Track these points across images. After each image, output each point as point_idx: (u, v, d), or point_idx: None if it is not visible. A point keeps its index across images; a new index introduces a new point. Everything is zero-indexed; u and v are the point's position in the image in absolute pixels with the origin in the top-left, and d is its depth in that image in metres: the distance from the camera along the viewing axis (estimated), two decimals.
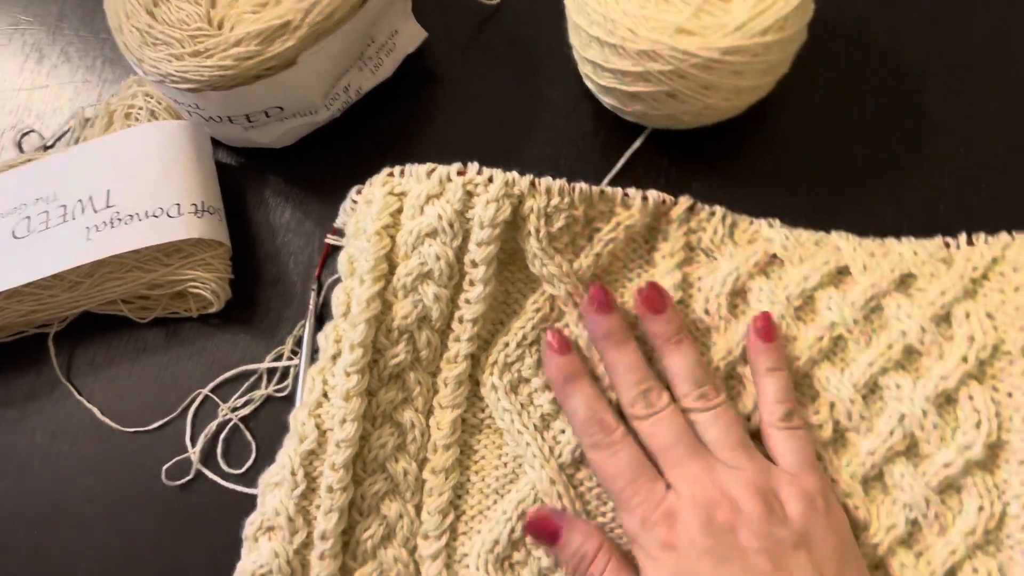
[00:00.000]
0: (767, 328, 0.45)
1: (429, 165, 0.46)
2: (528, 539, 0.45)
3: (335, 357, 0.46)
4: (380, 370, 0.46)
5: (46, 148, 0.57)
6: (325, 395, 0.45)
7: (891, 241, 0.48)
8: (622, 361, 0.45)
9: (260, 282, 0.54)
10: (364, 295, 0.45)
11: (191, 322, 0.53)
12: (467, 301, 0.46)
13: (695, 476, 0.41)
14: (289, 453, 0.44)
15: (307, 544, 0.44)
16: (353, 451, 0.44)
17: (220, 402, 0.51)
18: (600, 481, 0.44)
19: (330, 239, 0.51)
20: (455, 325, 0.47)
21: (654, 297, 0.46)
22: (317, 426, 0.45)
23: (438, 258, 0.45)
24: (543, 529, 0.44)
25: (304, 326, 0.51)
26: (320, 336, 0.47)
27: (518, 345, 0.47)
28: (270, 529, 0.44)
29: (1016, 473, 0.43)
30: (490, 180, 0.46)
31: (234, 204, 0.55)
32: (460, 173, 0.46)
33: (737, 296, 0.47)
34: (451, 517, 0.46)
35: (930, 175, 0.53)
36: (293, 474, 0.44)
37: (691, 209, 0.48)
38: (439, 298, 0.46)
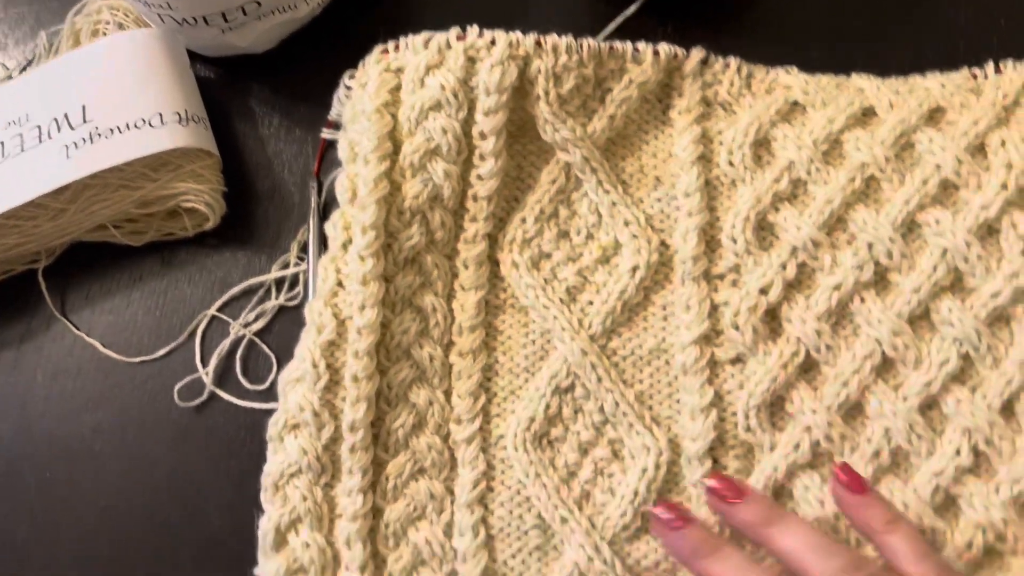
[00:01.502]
0: (854, 481, 0.38)
1: (425, 34, 0.44)
2: (566, 414, 0.42)
3: (346, 245, 0.43)
4: (395, 254, 0.43)
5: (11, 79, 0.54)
6: (340, 284, 0.43)
7: (915, 78, 0.46)
8: (727, 571, 0.37)
9: (255, 196, 0.51)
10: (371, 175, 0.42)
11: (187, 244, 0.51)
12: (479, 177, 0.44)
13: None
14: (308, 346, 0.42)
15: (335, 439, 0.42)
16: (375, 338, 0.42)
17: (231, 320, 0.49)
18: None
19: (326, 133, 0.48)
20: (469, 204, 0.44)
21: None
22: (335, 315, 0.42)
23: (444, 132, 0.43)
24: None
25: (308, 229, 0.49)
26: (327, 226, 0.44)
27: (536, 220, 0.45)
28: (295, 427, 0.42)
29: None
30: (492, 43, 0.43)
31: (219, 118, 0.52)
32: (459, 38, 0.43)
33: (761, 146, 0.45)
34: (483, 400, 0.43)
35: (946, 14, 0.51)
36: (315, 367, 0.41)
37: (704, 62, 0.46)
38: (449, 175, 0.43)
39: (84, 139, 0.47)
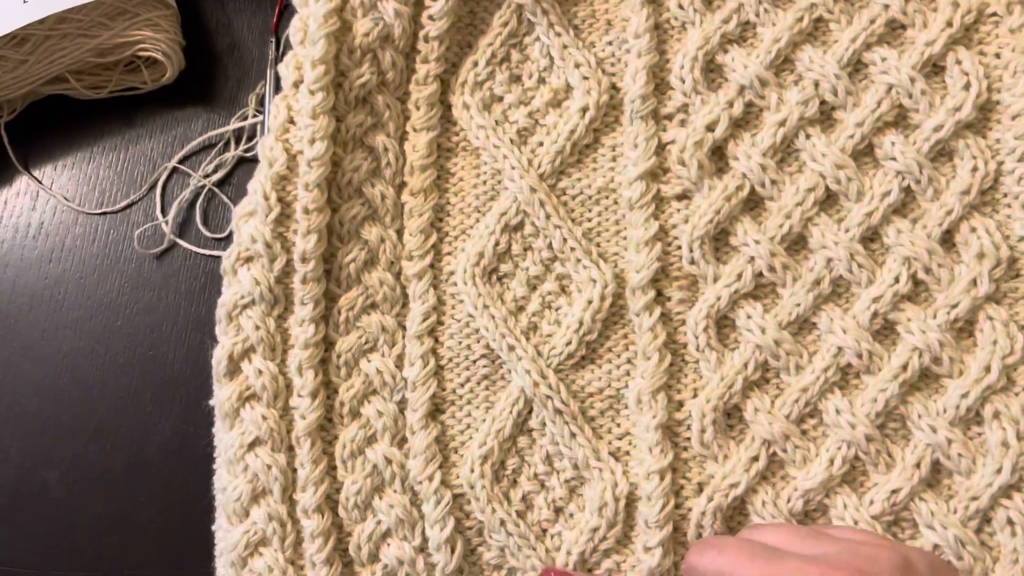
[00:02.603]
0: None
1: None
2: (515, 251, 0.43)
3: (297, 83, 0.43)
4: (345, 92, 0.44)
5: None
6: (291, 120, 0.43)
7: None
8: None
9: (214, 53, 0.52)
10: (320, 11, 0.42)
11: (148, 100, 0.51)
12: (431, 17, 0.44)
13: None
14: (260, 180, 0.43)
15: (288, 272, 0.43)
16: (325, 170, 0.42)
17: (191, 172, 0.49)
18: None
19: None
20: (421, 45, 0.45)
21: None
22: (286, 150, 0.43)
23: None
24: None
25: (265, 83, 0.49)
26: (280, 68, 0.44)
27: (487, 63, 0.45)
28: (248, 259, 0.43)
29: (1009, 129, 0.42)
30: None
31: None
32: None
33: None
34: (433, 238, 0.44)
35: None
36: (266, 199, 0.42)
37: None
38: (400, 14, 0.43)
39: None
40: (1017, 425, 0.40)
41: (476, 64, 0.45)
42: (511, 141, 0.44)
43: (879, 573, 0.32)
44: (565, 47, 0.45)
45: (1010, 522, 0.39)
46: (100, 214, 0.50)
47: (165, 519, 0.46)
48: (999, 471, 0.39)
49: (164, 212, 0.49)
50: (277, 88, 0.48)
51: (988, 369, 0.40)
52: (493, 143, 0.44)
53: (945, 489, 0.40)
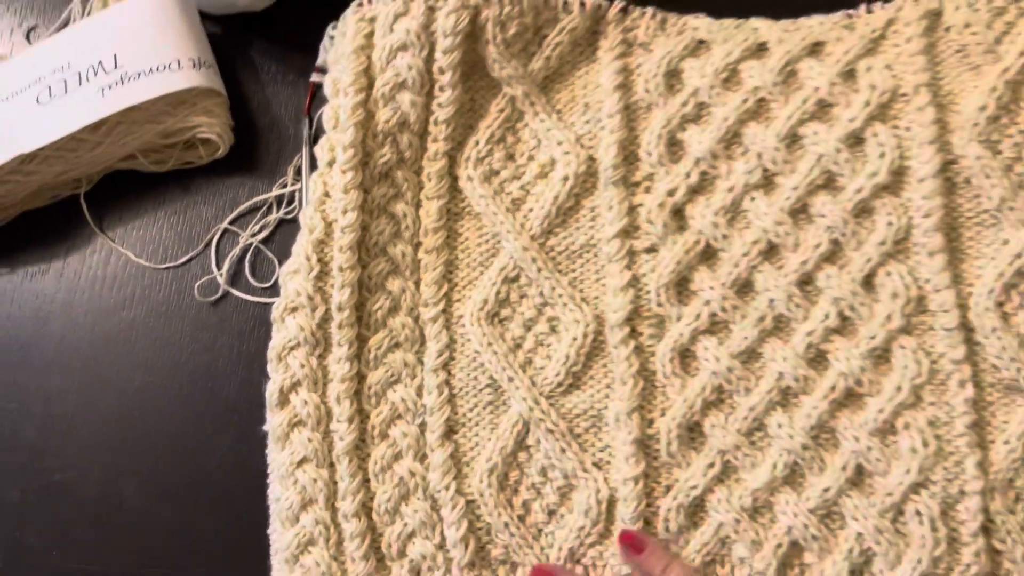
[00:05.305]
0: (635, 541, 0.49)
1: None
2: (513, 298, 0.52)
3: (331, 163, 0.53)
4: (371, 169, 0.53)
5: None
6: (327, 194, 0.53)
7: (802, 19, 0.56)
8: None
9: (257, 130, 0.61)
10: (349, 104, 0.52)
11: (203, 171, 0.61)
12: (439, 105, 0.54)
13: None
14: (303, 244, 0.52)
15: (326, 319, 0.52)
16: (356, 236, 0.52)
17: (240, 232, 0.59)
18: None
19: (315, 76, 0.58)
20: (431, 127, 0.54)
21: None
22: (323, 219, 0.52)
23: (410, 68, 0.52)
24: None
25: (301, 156, 0.59)
26: (316, 150, 0.54)
27: (487, 142, 0.55)
28: (294, 309, 0.52)
29: (916, 190, 0.51)
30: None
31: (226, 66, 0.62)
32: None
33: (672, 76, 0.54)
34: (445, 287, 0.53)
35: None
36: (308, 260, 0.52)
37: (624, 11, 0.55)
38: (415, 104, 0.53)
39: (116, 82, 0.57)
40: (923, 434, 0.49)
41: (478, 143, 0.55)
42: (507, 209, 0.54)
43: None
44: (548, 129, 0.54)
45: (918, 513, 0.48)
46: (164, 268, 0.59)
47: (224, 524, 0.55)
48: (908, 472, 0.48)
49: (218, 266, 0.59)
50: (311, 160, 0.58)
51: (900, 389, 0.49)
52: (492, 210, 0.54)
53: (867, 487, 0.49)
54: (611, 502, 0.50)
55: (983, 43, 0.52)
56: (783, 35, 0.55)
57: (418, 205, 0.54)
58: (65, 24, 0.63)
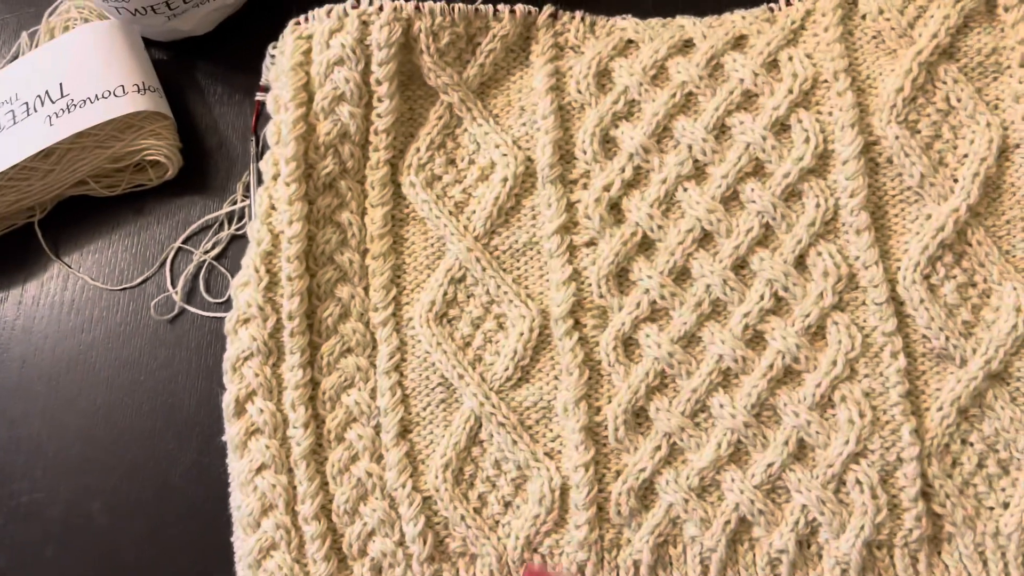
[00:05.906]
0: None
1: (328, 6, 0.55)
2: (460, 298, 0.54)
3: (276, 176, 0.54)
4: (315, 181, 0.54)
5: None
6: (273, 207, 0.54)
7: (726, 15, 0.58)
8: None
9: (206, 151, 0.63)
10: (290, 119, 0.54)
11: (154, 193, 0.62)
12: (379, 115, 0.55)
13: None
14: (251, 256, 0.53)
15: (278, 328, 0.53)
16: (302, 246, 0.53)
17: (193, 250, 0.60)
18: None
19: (259, 96, 0.60)
20: (372, 137, 0.56)
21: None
22: (270, 231, 0.54)
23: (347, 81, 0.54)
24: None
25: (249, 173, 0.60)
26: (261, 165, 0.55)
27: (427, 148, 0.56)
28: (246, 320, 0.53)
29: (841, 172, 0.53)
30: (380, 8, 0.54)
31: (174, 91, 0.63)
32: (354, 7, 0.54)
33: (602, 76, 0.56)
34: (394, 291, 0.55)
35: None
36: (256, 271, 0.53)
37: (554, 16, 0.57)
38: (354, 115, 0.54)
39: (63, 109, 0.58)
40: (860, 406, 0.50)
41: (419, 150, 0.56)
42: (450, 212, 0.55)
43: None
44: (486, 133, 0.56)
45: (858, 482, 0.50)
46: (121, 290, 0.60)
47: (190, 534, 0.56)
48: (847, 442, 0.50)
49: (173, 284, 0.60)
50: (259, 176, 0.59)
51: (835, 363, 0.51)
52: (436, 214, 0.55)
53: (809, 461, 0.51)
54: (564, 490, 0.52)
55: (897, 28, 0.55)
56: (707, 31, 0.57)
57: (363, 213, 0.56)
58: (15, 58, 0.65)
